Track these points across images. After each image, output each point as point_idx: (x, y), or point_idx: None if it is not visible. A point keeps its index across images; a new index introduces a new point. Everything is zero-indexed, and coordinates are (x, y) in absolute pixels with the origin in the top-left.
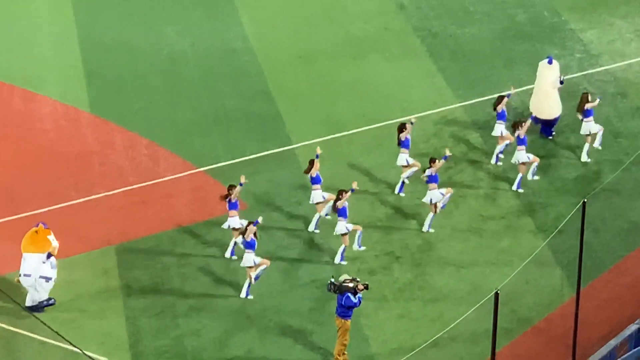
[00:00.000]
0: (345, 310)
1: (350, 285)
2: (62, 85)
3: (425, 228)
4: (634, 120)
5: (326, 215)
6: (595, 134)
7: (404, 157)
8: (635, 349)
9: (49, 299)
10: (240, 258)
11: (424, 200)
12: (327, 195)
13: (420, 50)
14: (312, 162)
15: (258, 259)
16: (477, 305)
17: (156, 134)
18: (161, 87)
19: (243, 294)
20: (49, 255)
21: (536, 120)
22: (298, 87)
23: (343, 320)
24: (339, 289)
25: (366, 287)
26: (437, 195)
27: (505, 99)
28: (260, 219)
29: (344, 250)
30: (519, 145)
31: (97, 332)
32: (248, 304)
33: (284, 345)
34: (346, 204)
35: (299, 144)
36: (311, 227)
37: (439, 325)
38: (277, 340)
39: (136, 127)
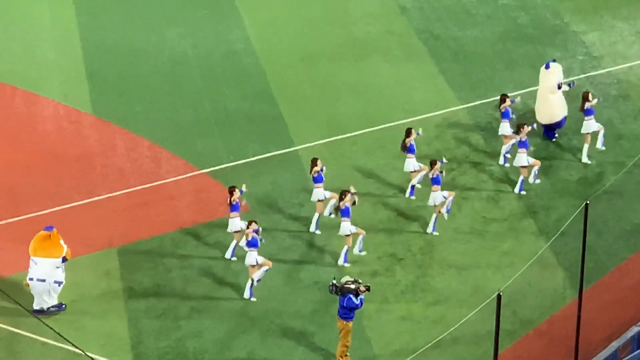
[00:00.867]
0: (347, 312)
1: (352, 286)
2: (64, 87)
3: (429, 229)
4: (636, 122)
5: (329, 214)
6: (596, 134)
7: (412, 163)
8: (637, 351)
9: (61, 304)
10: (241, 259)
11: (428, 203)
12: (328, 193)
13: (422, 52)
14: (314, 162)
15: (261, 258)
16: (480, 307)
17: (158, 136)
18: (163, 88)
19: (246, 295)
20: (64, 259)
21: (543, 126)
22: (300, 88)
23: (345, 322)
24: (341, 291)
25: (368, 289)
26: (439, 197)
27: (508, 101)
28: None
29: (347, 251)
30: (520, 148)
31: (99, 334)
32: (250, 306)
33: (285, 347)
34: (348, 204)
35: (301, 146)
36: (312, 228)
37: (441, 327)
38: (279, 342)
39: (138, 129)
